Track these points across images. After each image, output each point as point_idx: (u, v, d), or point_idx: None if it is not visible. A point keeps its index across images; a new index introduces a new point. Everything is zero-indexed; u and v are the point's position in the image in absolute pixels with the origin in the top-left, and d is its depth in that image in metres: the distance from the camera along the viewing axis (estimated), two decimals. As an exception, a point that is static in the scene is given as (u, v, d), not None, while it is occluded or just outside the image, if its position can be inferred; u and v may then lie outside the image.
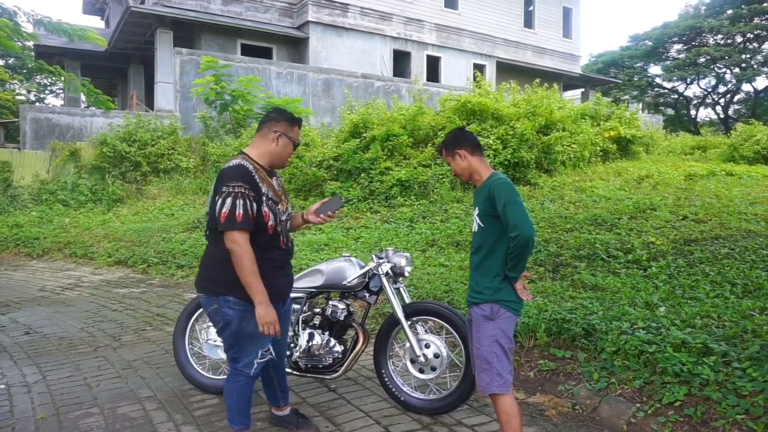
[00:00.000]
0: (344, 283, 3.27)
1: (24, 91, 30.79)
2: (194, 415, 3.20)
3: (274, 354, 2.68)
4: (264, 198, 2.48)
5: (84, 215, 11.41)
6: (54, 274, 8.04)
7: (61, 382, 3.70)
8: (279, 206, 2.59)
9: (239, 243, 2.37)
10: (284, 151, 2.62)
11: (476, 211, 2.58)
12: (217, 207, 2.38)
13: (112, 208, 11.94)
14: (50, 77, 19.99)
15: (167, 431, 2.99)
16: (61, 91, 28.49)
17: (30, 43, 16.62)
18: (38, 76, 28.66)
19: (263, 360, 2.61)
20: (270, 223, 2.51)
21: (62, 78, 13.83)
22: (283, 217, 2.64)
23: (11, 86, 28.94)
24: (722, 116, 31.65)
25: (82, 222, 10.84)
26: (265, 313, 2.42)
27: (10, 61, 25.91)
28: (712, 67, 29.03)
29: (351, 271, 3.29)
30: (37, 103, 29.71)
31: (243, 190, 2.39)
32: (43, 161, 12.88)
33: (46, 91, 32.41)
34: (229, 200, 2.36)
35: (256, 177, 2.47)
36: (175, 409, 3.27)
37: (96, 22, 27.48)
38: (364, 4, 18.56)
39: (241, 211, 2.36)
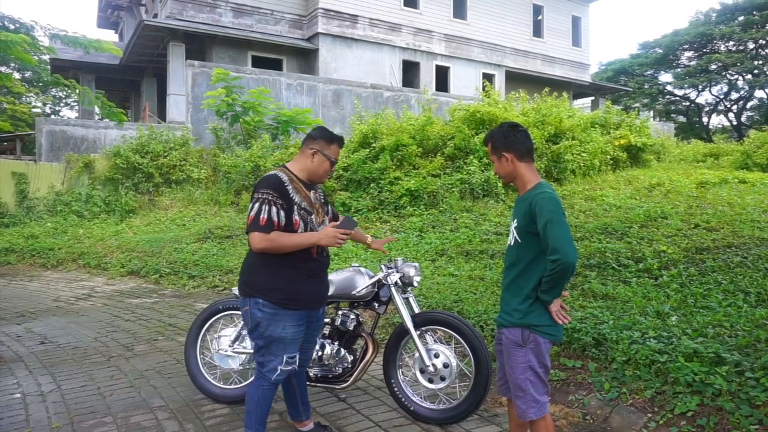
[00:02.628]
0: (353, 293, 3.30)
1: (40, 104, 31.33)
2: (205, 424, 3.23)
3: (298, 363, 2.71)
4: (296, 207, 2.60)
5: (97, 226, 11.56)
6: (68, 285, 8.14)
7: (75, 392, 3.75)
8: (313, 216, 2.68)
9: (263, 241, 2.49)
10: (320, 168, 2.71)
11: (514, 224, 2.35)
12: (248, 211, 2.57)
13: (125, 219, 12.07)
14: (65, 90, 20.34)
15: (179, 440, 3.02)
16: (75, 104, 28.99)
17: (46, 57, 16.93)
18: (53, 89, 29.17)
19: (288, 368, 2.65)
20: (300, 230, 2.61)
21: (77, 91, 14.08)
22: (318, 228, 2.70)
23: (27, 99, 29.47)
24: (735, 123, 31.40)
25: (95, 233, 10.97)
26: (320, 238, 2.57)
27: (26, 75, 26.42)
28: (723, 73, 28.87)
29: (360, 281, 3.31)
30: (53, 116, 30.21)
31: (270, 197, 2.53)
32: (58, 173, 13.09)
33: (61, 104, 32.97)
34: (257, 206, 2.52)
35: (289, 187, 2.61)
36: (187, 419, 3.30)
37: (110, 36, 28.01)
38: (373, 16, 18.73)
39: (265, 216, 2.50)
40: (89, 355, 4.60)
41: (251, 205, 2.56)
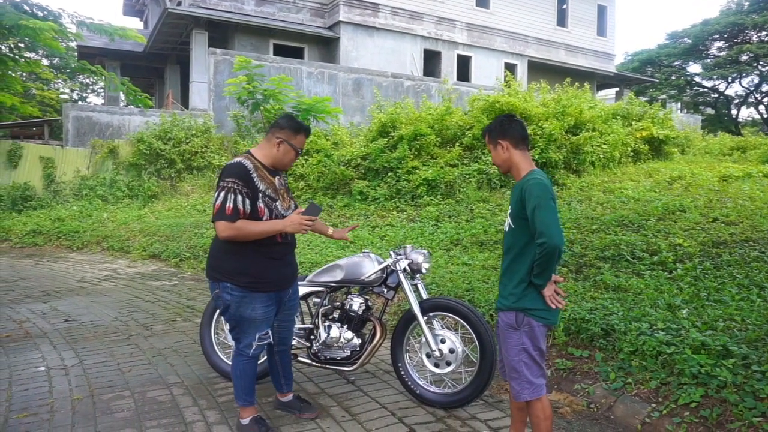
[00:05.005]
0: (362, 278, 3.37)
1: (67, 90, 31.98)
2: (218, 401, 3.35)
3: (271, 338, 2.86)
4: (260, 195, 2.66)
5: (121, 210, 11.85)
6: (92, 266, 8.39)
7: (96, 367, 3.91)
8: (278, 203, 2.75)
9: (228, 229, 2.56)
10: (285, 157, 2.77)
11: (509, 210, 2.44)
12: (213, 200, 2.61)
13: (148, 204, 12.35)
14: (92, 77, 20.78)
15: (192, 415, 3.14)
16: (102, 90, 29.51)
17: (73, 44, 17.29)
18: (80, 76, 29.73)
19: (262, 343, 2.81)
20: (265, 217, 2.67)
21: (103, 77, 14.36)
22: (285, 213, 2.78)
23: (55, 85, 30.10)
24: (766, 116, 30.54)
25: (119, 217, 11.26)
26: (285, 225, 2.63)
27: (54, 61, 26.96)
28: (755, 65, 28.07)
29: (369, 266, 3.38)
30: (80, 102, 30.82)
31: (235, 186, 2.57)
32: (84, 158, 13.42)
33: (88, 90, 33.59)
34: (222, 194, 2.57)
35: (254, 175, 2.65)
36: (201, 395, 3.43)
37: (135, 24, 28.41)
38: (395, 4, 18.65)
39: (231, 205, 2.55)
40: (110, 333, 4.78)
41: (216, 193, 2.60)
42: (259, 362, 3.60)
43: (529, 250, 2.32)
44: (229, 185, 2.57)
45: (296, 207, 2.89)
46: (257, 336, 2.77)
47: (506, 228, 2.47)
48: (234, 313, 2.73)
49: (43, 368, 3.88)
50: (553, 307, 2.33)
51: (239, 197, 2.56)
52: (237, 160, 2.68)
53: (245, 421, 2.88)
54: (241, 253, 2.67)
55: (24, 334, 4.76)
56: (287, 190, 2.90)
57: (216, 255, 2.76)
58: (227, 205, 2.54)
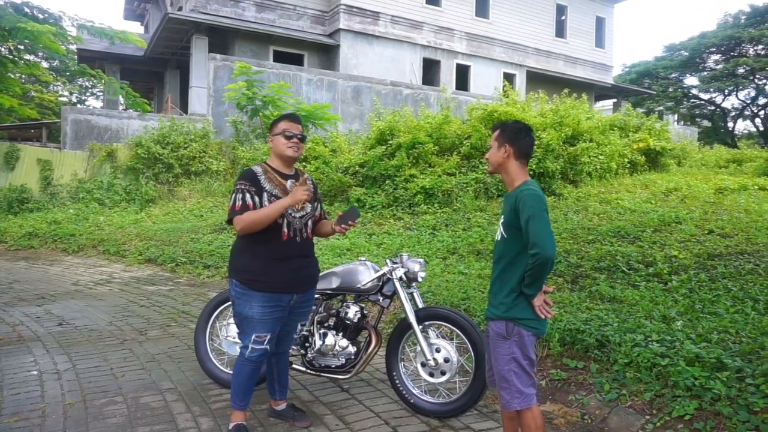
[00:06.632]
0: (358, 286, 3.37)
1: (67, 93, 31.98)
2: (211, 407, 3.33)
3: (267, 344, 2.84)
4: (266, 194, 2.83)
5: (118, 214, 11.82)
6: (87, 270, 8.36)
7: (89, 371, 3.89)
8: None
9: (239, 222, 2.74)
10: (279, 145, 2.92)
11: (501, 219, 2.44)
12: (229, 204, 2.86)
13: (145, 208, 12.32)
14: (91, 80, 20.79)
15: (185, 422, 3.13)
16: (101, 94, 29.52)
17: (73, 47, 17.32)
18: (80, 79, 29.74)
19: (258, 347, 2.82)
20: None
21: (102, 81, 14.37)
22: (295, 214, 2.88)
23: (55, 88, 30.10)
24: (762, 129, 30.73)
25: (115, 221, 11.23)
26: (287, 201, 2.75)
27: (54, 64, 26.97)
28: (751, 78, 28.27)
29: (365, 274, 3.39)
30: (79, 105, 30.82)
31: (243, 187, 2.81)
32: (82, 161, 13.40)
33: (87, 94, 33.60)
34: (233, 196, 2.83)
35: (261, 177, 2.87)
36: (194, 402, 3.41)
37: (136, 28, 28.47)
38: (395, 13, 18.75)
39: (240, 203, 2.78)
40: (104, 338, 4.76)
41: (231, 195, 2.86)
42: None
43: (521, 259, 2.34)
44: (238, 187, 2.81)
45: (312, 210, 2.97)
46: (252, 336, 2.81)
47: (498, 237, 2.47)
48: (235, 310, 2.88)
49: (35, 372, 3.86)
50: (543, 317, 2.35)
51: (247, 195, 2.78)
52: (250, 167, 2.94)
53: (230, 426, 2.91)
54: (246, 250, 2.85)
55: (17, 337, 4.73)
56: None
57: (231, 254, 2.98)
58: (237, 204, 2.77)
